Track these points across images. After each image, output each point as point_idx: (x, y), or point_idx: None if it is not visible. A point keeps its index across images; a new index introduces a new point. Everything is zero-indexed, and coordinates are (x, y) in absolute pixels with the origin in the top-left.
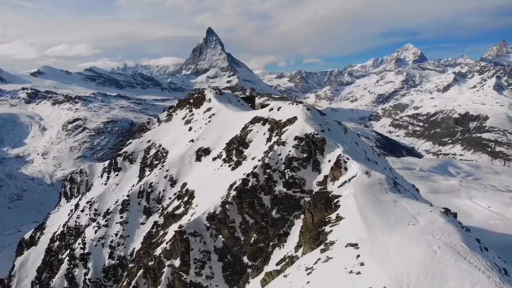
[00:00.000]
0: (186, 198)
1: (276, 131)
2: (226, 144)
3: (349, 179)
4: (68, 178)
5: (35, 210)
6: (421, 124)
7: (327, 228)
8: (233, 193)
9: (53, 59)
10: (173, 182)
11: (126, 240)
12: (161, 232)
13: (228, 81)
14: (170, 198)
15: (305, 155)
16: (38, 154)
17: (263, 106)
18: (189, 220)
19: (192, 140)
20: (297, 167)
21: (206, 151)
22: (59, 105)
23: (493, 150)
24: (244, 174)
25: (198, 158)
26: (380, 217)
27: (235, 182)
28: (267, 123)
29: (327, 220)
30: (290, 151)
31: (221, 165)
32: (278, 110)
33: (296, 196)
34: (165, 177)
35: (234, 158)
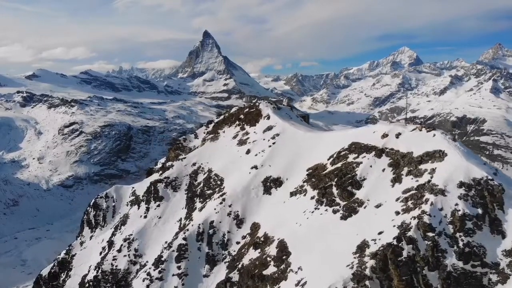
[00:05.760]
0: (272, 251)
1: (409, 168)
2: (307, 175)
3: None
4: (91, 204)
5: (32, 216)
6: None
7: None
8: (370, 262)
9: (49, 62)
10: (239, 222)
11: None
12: None
13: (224, 84)
14: (238, 243)
15: (479, 210)
16: (34, 158)
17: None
18: None
19: (256, 167)
20: (472, 229)
21: (277, 182)
22: (54, 109)
23: (491, 154)
24: (379, 233)
25: (267, 191)
26: None
27: (366, 244)
28: (383, 154)
29: None
30: (457, 204)
31: (317, 208)
32: (397, 137)
33: (477, 273)
34: (229, 214)
35: (339, 201)
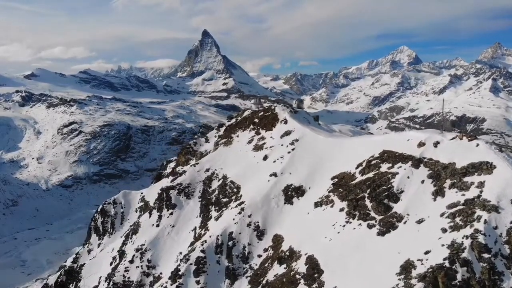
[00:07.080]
0: (301, 268)
1: (452, 181)
2: (333, 184)
3: None
4: (98, 210)
5: (31, 216)
6: (417, 126)
7: None
8: (419, 285)
9: (48, 62)
10: (260, 233)
11: None
12: None
13: (224, 84)
14: (259, 256)
15: None
16: (33, 158)
17: None
18: None
19: (275, 174)
20: None
21: (299, 191)
22: (53, 108)
23: None
24: (426, 253)
25: (288, 200)
26: None
27: (411, 264)
28: (421, 165)
29: None
30: None
31: (348, 221)
32: (435, 146)
33: None
34: (248, 225)
35: (375, 215)
